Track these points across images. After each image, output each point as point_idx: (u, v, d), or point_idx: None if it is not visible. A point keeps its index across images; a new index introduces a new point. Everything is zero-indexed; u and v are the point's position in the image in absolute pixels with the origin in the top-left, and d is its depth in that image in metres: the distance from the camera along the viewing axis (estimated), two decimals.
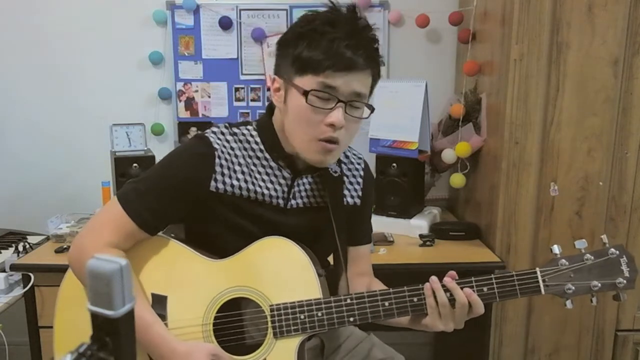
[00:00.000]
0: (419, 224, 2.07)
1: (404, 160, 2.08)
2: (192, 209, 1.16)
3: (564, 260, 1.10)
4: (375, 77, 1.15)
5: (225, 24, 2.35)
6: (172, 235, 1.25)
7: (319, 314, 1.12)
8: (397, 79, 2.26)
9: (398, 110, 2.05)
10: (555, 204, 1.86)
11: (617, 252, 1.11)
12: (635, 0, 1.74)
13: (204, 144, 1.16)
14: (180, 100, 2.43)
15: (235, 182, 1.16)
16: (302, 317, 1.12)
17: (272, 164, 1.20)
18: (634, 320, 1.94)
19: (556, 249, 1.12)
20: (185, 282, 1.17)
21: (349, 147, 1.30)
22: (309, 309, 1.12)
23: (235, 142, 1.18)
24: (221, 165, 1.15)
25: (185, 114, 2.44)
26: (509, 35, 1.79)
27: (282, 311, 1.13)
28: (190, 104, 2.43)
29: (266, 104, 2.03)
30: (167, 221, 1.19)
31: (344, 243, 1.26)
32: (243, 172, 1.17)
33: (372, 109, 1.17)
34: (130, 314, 0.56)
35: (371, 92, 1.16)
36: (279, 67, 1.15)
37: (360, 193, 1.30)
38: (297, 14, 2.37)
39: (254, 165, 1.19)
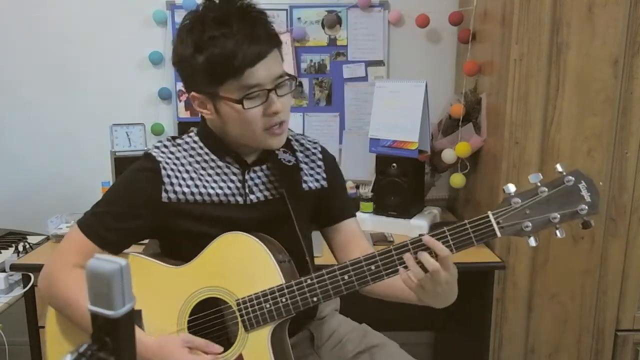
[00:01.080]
0: (419, 224, 2.07)
1: (404, 160, 2.08)
2: (152, 223, 1.18)
3: (516, 199, 1.04)
4: (280, 47, 1.16)
5: None
6: (151, 251, 1.28)
7: (283, 300, 1.12)
8: (397, 79, 2.26)
9: (398, 110, 2.05)
10: None
11: (574, 178, 1.02)
12: (635, 0, 1.74)
13: (148, 160, 1.20)
14: (180, 100, 2.43)
15: (186, 189, 1.18)
16: (268, 306, 1.13)
17: (220, 163, 1.22)
18: (634, 320, 1.95)
19: (510, 187, 1.05)
20: (155, 293, 1.18)
21: (302, 135, 1.35)
22: (273, 296, 1.13)
23: (180, 151, 1.22)
24: (168, 176, 1.18)
25: (185, 114, 2.44)
26: (509, 35, 1.79)
27: (248, 304, 1.14)
28: (190, 104, 2.43)
29: None
30: (129, 239, 1.21)
31: (305, 230, 1.27)
32: (192, 178, 1.19)
33: (294, 78, 1.19)
34: (130, 314, 0.56)
35: (282, 59, 1.17)
36: (192, 84, 1.15)
37: (324, 175, 1.32)
38: (297, 14, 2.37)
39: (203, 169, 1.21)
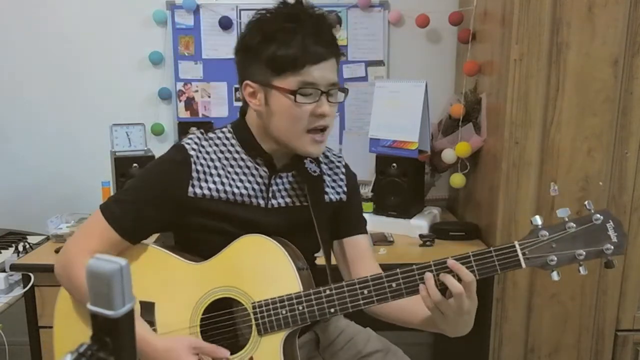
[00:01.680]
0: (419, 224, 2.07)
1: (404, 160, 2.08)
2: (174, 216, 1.19)
3: (544, 231, 1.04)
4: (339, 59, 1.20)
5: (225, 24, 2.35)
6: (163, 242, 1.28)
7: (300, 308, 1.12)
8: (397, 79, 2.26)
9: (398, 110, 2.05)
10: (555, 204, 1.86)
11: (602, 217, 1.03)
12: (636, 0, 1.74)
13: (180, 152, 1.19)
14: (180, 100, 2.43)
15: (212, 186, 1.18)
16: (284, 312, 1.12)
17: (249, 163, 1.22)
18: (634, 320, 1.94)
19: (537, 219, 1.06)
20: (171, 287, 1.18)
21: (328, 148, 1.36)
22: (290, 303, 1.12)
23: (211, 146, 1.21)
24: (197, 171, 1.18)
25: (185, 114, 2.44)
26: (509, 35, 1.79)
27: (264, 308, 1.13)
28: (190, 104, 2.43)
29: None
30: (150, 230, 1.22)
31: (326, 241, 1.27)
32: (219, 175, 1.19)
33: (346, 92, 1.24)
34: (130, 314, 0.56)
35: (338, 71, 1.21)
36: (249, 73, 1.17)
37: (345, 189, 1.33)
38: None
39: (231, 166, 1.21)
